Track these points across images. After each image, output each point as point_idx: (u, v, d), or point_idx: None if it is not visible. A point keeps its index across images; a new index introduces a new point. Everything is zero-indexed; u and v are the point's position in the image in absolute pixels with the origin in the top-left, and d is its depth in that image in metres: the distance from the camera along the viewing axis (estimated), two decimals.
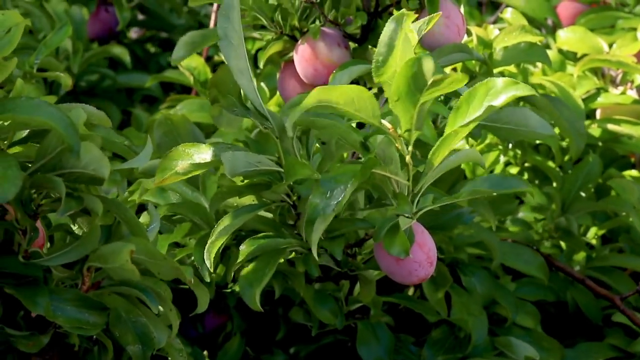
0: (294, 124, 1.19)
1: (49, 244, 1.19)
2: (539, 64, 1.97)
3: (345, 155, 1.49)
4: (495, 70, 1.62)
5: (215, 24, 2.10)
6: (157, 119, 1.61)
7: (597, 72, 1.98)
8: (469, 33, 1.63)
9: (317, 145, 1.34)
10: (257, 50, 2.09)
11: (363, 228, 1.32)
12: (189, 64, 1.98)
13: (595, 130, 1.95)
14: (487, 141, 1.91)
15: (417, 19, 1.44)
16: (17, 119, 0.99)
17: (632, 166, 2.04)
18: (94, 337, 1.17)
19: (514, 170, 1.98)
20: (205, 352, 1.58)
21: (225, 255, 1.42)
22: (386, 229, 1.18)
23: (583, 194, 1.89)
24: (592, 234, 1.95)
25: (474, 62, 1.59)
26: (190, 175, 1.20)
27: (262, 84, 1.93)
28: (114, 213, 1.12)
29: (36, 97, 0.98)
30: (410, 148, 1.18)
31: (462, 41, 1.48)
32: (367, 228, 1.31)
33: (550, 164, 1.92)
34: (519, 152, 1.96)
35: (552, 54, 1.99)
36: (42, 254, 1.09)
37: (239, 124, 1.36)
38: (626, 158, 2.06)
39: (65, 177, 1.04)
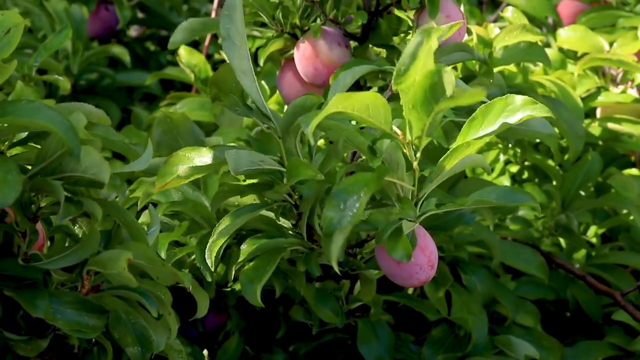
0: (301, 139, 1.19)
1: (49, 243, 1.19)
2: (540, 63, 1.97)
3: (345, 155, 1.49)
4: (495, 69, 1.62)
5: (216, 17, 2.12)
6: (157, 117, 1.61)
7: (598, 70, 1.98)
8: (469, 32, 1.63)
9: (319, 144, 1.34)
10: (258, 49, 2.09)
11: (365, 230, 1.32)
12: (190, 61, 1.98)
13: (595, 129, 1.95)
14: (487, 139, 1.90)
15: (417, 18, 1.45)
16: (16, 122, 0.99)
17: (633, 165, 2.04)
18: (94, 338, 1.17)
19: (514, 168, 1.98)
20: (205, 351, 1.58)
21: (226, 254, 1.42)
22: (389, 233, 1.18)
23: (583, 192, 1.89)
24: (592, 232, 1.96)
25: (474, 61, 1.59)
26: (191, 179, 1.20)
27: (263, 82, 1.92)
28: (113, 217, 1.11)
29: (36, 100, 0.97)
30: (418, 154, 1.18)
31: (463, 40, 1.48)
32: (370, 230, 1.31)
33: (550, 162, 1.92)
34: (519, 150, 1.96)
35: (552, 52, 1.99)
36: (41, 256, 1.09)
37: (240, 123, 1.36)
38: (626, 157, 2.06)
39: (65, 180, 1.04)
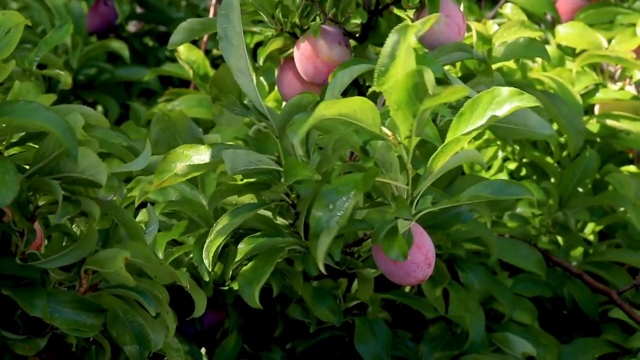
0: (302, 139, 1.19)
1: (46, 241, 1.19)
2: (539, 59, 1.98)
3: (343, 154, 1.50)
4: (495, 66, 1.62)
5: (214, 17, 2.12)
6: (155, 115, 1.61)
7: (596, 67, 1.98)
8: (468, 29, 1.63)
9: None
10: (256, 44, 2.09)
11: (362, 229, 1.33)
12: (189, 57, 1.98)
13: (593, 126, 1.95)
14: (485, 136, 1.91)
15: (417, 17, 1.45)
16: (14, 123, 0.99)
17: (630, 162, 2.05)
18: (92, 337, 1.17)
19: (512, 165, 1.98)
20: (203, 350, 1.59)
21: (224, 253, 1.42)
22: (385, 232, 1.18)
23: (580, 189, 1.90)
24: (590, 230, 1.96)
25: (473, 60, 1.59)
26: (189, 177, 1.20)
27: (262, 78, 1.93)
28: (111, 216, 1.12)
29: (34, 101, 0.98)
30: (410, 154, 1.18)
31: (462, 38, 1.48)
32: (366, 229, 1.32)
33: (548, 159, 1.92)
34: (517, 147, 1.96)
35: (551, 49, 1.99)
36: (39, 256, 1.09)
37: (239, 123, 1.36)
38: (624, 154, 2.06)
39: (63, 180, 1.04)
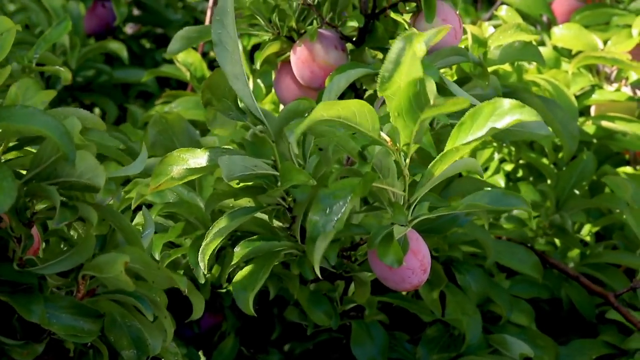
0: (298, 140, 1.19)
1: (44, 245, 1.19)
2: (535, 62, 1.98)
3: (341, 157, 1.50)
4: (490, 69, 1.62)
5: (211, 20, 2.12)
6: (152, 117, 1.61)
7: (592, 69, 1.99)
8: (464, 32, 1.63)
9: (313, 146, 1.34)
10: (253, 47, 2.09)
11: (358, 233, 1.33)
12: (186, 60, 1.98)
13: (589, 128, 1.95)
14: (476, 144, 1.91)
15: (414, 21, 1.46)
16: (11, 128, 0.99)
17: (627, 163, 2.05)
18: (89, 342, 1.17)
19: (508, 167, 1.99)
20: (200, 352, 1.59)
21: (221, 255, 1.42)
22: (380, 238, 1.18)
23: (577, 191, 1.90)
24: (586, 231, 1.96)
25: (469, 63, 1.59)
26: (185, 180, 1.21)
27: (259, 80, 1.93)
28: (109, 221, 1.12)
29: (30, 106, 0.98)
30: (408, 160, 1.18)
31: (459, 42, 1.48)
32: (362, 233, 1.32)
33: (545, 161, 1.92)
34: (513, 149, 1.97)
35: (547, 51, 2.00)
36: (36, 261, 1.10)
37: (232, 127, 1.36)
38: (620, 155, 2.06)
39: (60, 185, 1.04)
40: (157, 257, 1.39)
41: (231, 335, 1.59)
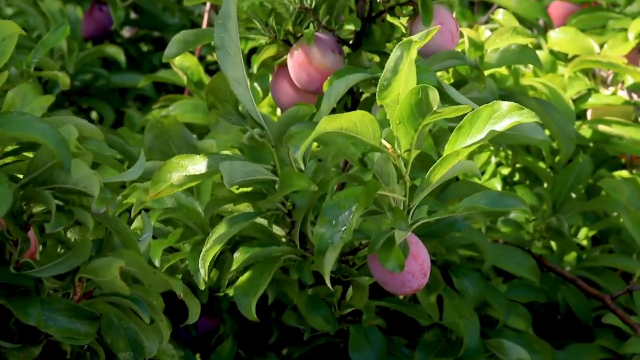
0: (303, 154, 1.21)
1: (41, 247, 1.19)
2: (531, 65, 1.98)
3: (338, 162, 1.50)
4: (487, 72, 1.62)
5: (209, 24, 2.13)
6: (148, 122, 1.61)
7: (588, 72, 1.99)
8: (460, 35, 1.64)
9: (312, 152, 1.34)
10: (250, 50, 2.09)
11: (358, 239, 1.33)
12: (182, 64, 1.98)
13: (586, 131, 1.95)
14: (475, 147, 1.91)
15: (411, 25, 1.46)
16: (7, 134, 0.99)
17: (623, 167, 2.05)
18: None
19: (505, 170, 1.99)
20: (197, 355, 1.59)
21: (219, 260, 1.42)
22: (381, 243, 1.19)
23: (574, 195, 1.90)
24: (583, 235, 1.96)
25: (465, 66, 1.60)
26: (185, 187, 1.21)
27: (255, 84, 1.93)
28: (105, 225, 1.12)
29: (27, 112, 0.98)
30: (408, 166, 1.19)
31: (455, 45, 1.49)
32: (362, 238, 1.32)
33: (541, 164, 1.93)
34: (510, 152, 1.97)
35: (543, 54, 2.00)
36: (33, 264, 1.10)
37: (235, 132, 1.36)
38: (616, 159, 2.06)
39: (56, 190, 1.04)
40: (156, 263, 1.39)
41: (229, 339, 1.59)
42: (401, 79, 1.16)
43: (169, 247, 1.44)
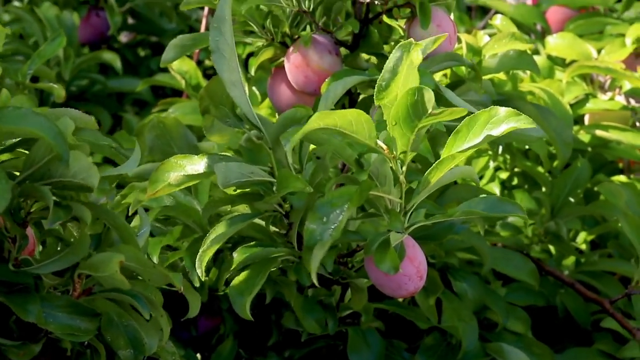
0: (294, 149, 1.20)
1: (41, 247, 1.19)
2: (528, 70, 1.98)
3: (337, 164, 1.50)
4: (485, 77, 1.62)
5: (206, 28, 2.13)
6: (150, 122, 1.61)
7: (586, 77, 1.99)
8: (458, 40, 1.64)
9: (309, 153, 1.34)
10: (248, 55, 2.09)
11: (355, 240, 1.33)
12: (180, 68, 1.98)
13: (584, 136, 1.96)
14: (471, 152, 1.91)
15: (408, 26, 1.46)
16: (4, 129, 0.99)
17: (620, 171, 2.05)
18: (86, 341, 1.17)
19: (503, 175, 1.99)
20: (198, 355, 1.58)
21: (218, 258, 1.42)
22: (377, 244, 1.19)
23: (572, 199, 1.90)
24: (582, 239, 1.96)
25: (462, 67, 1.60)
26: (183, 187, 1.21)
27: (254, 88, 1.93)
28: (103, 220, 1.11)
29: (23, 107, 0.98)
30: (404, 168, 1.19)
31: (453, 48, 1.49)
32: (359, 240, 1.32)
33: (540, 169, 1.93)
34: (508, 157, 1.97)
35: (541, 60, 2.00)
36: (32, 261, 1.09)
37: (230, 134, 1.36)
38: (614, 163, 2.07)
39: (54, 185, 1.04)
40: (155, 260, 1.39)
41: (230, 338, 1.58)
42: (400, 80, 1.17)
43: (168, 245, 1.44)
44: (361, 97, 1.52)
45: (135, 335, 1.15)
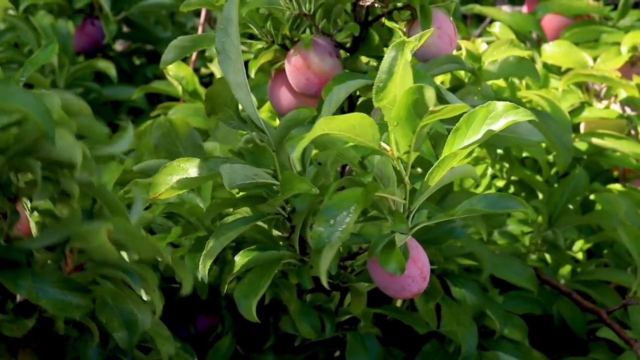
0: (300, 155, 1.21)
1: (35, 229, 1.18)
2: (524, 79, 1.99)
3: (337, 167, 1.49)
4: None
5: (204, 33, 2.12)
6: (156, 120, 1.60)
7: (582, 86, 2.00)
8: (458, 47, 1.64)
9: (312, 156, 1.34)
10: (246, 62, 2.09)
11: (357, 243, 1.33)
12: (177, 74, 1.98)
13: (580, 144, 1.96)
14: (475, 154, 1.91)
15: (409, 29, 1.46)
16: None
17: (616, 180, 2.05)
18: (81, 323, 1.16)
19: (500, 183, 1.99)
20: (194, 357, 1.57)
21: (220, 257, 1.41)
22: (382, 246, 1.18)
23: (571, 207, 1.90)
24: (578, 248, 1.96)
25: (462, 71, 1.60)
26: (185, 190, 1.21)
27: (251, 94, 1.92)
28: (92, 195, 1.10)
29: (11, 84, 0.97)
30: (408, 168, 1.18)
31: (454, 51, 1.49)
32: (362, 243, 1.32)
33: (537, 177, 1.93)
34: (506, 165, 1.96)
35: (536, 68, 2.00)
36: (23, 237, 1.08)
37: (234, 136, 1.36)
38: (609, 172, 2.07)
39: (42, 161, 1.03)
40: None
41: (228, 335, 1.57)
42: (397, 80, 1.16)
43: (171, 242, 1.43)
44: (360, 99, 1.52)
45: (129, 317, 1.14)
